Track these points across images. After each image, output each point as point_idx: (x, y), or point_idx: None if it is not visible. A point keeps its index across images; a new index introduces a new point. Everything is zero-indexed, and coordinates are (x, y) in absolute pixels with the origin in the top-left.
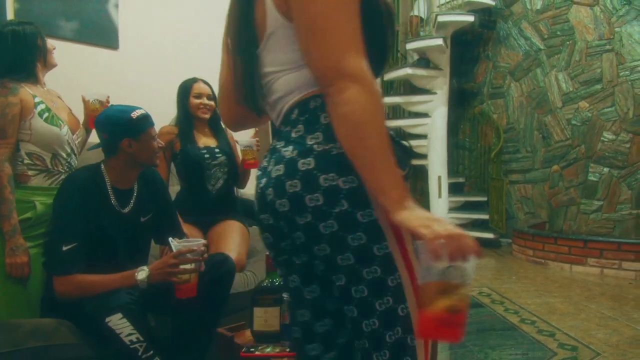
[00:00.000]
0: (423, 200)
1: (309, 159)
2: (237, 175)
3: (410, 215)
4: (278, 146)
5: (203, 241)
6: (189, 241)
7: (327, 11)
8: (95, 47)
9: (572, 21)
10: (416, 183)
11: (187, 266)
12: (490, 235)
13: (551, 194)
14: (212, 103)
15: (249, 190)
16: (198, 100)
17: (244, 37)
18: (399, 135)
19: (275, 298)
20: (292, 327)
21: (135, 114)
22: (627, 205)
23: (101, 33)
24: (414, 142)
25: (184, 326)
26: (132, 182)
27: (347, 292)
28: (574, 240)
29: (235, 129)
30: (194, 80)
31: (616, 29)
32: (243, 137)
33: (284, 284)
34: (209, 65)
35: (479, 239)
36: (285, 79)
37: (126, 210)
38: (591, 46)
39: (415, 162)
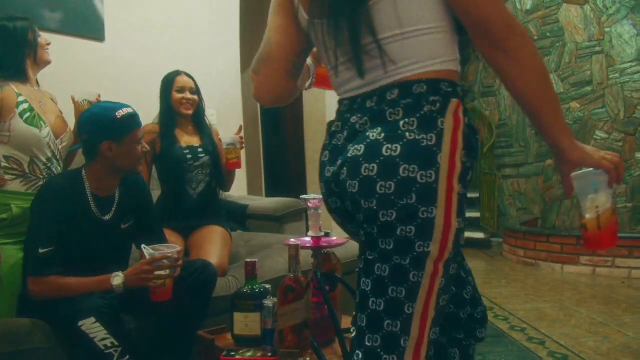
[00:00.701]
0: None
1: (395, 144)
2: (221, 176)
3: (586, 151)
4: (359, 123)
5: (177, 248)
6: (163, 247)
7: None
8: (80, 38)
9: (561, 21)
10: None
11: (162, 272)
12: (480, 235)
13: (545, 188)
14: (195, 97)
15: (234, 192)
16: (180, 95)
17: None
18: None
19: (255, 304)
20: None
21: (120, 113)
22: (622, 199)
23: (86, 24)
24: None
25: (165, 331)
26: (113, 189)
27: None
28: (566, 237)
29: (274, 104)
30: (176, 72)
31: (606, 29)
32: (231, 134)
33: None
34: (194, 57)
35: (468, 240)
36: (397, 45)
37: (107, 217)
38: (581, 47)
39: None
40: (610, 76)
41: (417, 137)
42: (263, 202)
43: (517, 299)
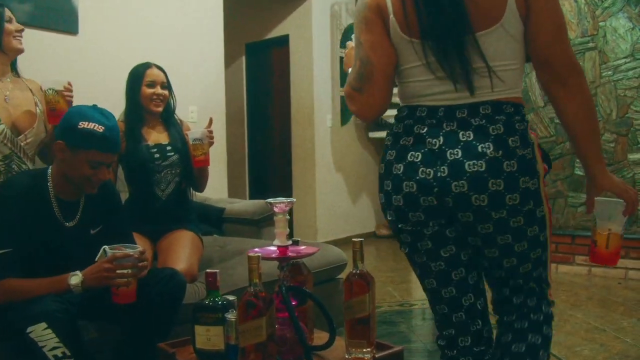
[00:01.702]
0: None
1: (512, 161)
2: (192, 177)
3: (614, 181)
4: (461, 133)
5: (140, 248)
6: (124, 247)
7: (563, 16)
8: (52, 32)
9: None
10: None
11: (125, 271)
12: None
13: None
14: (166, 92)
15: (214, 194)
16: (151, 90)
17: (452, 21)
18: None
19: (217, 317)
20: (445, 288)
21: (83, 125)
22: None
23: (59, 16)
24: None
25: (128, 344)
26: (78, 194)
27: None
28: (561, 235)
29: (375, 118)
30: (147, 65)
31: (600, 23)
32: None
33: (412, 252)
34: (175, 52)
35: None
36: (499, 74)
37: (71, 224)
38: (573, 44)
39: None
40: (604, 74)
41: (523, 152)
42: (241, 205)
43: None
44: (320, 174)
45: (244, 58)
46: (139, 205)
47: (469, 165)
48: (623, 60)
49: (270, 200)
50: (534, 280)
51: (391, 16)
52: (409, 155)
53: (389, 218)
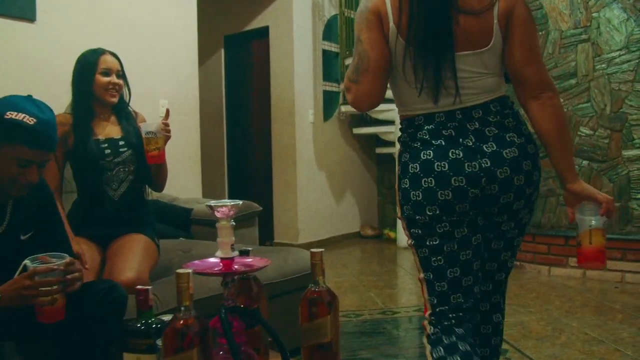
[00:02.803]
0: (392, 194)
1: (531, 145)
2: (148, 174)
3: (585, 186)
4: (487, 129)
5: (66, 259)
6: (48, 257)
7: (537, 40)
8: (7, 18)
9: (546, 7)
10: (383, 177)
11: (48, 287)
12: None
13: None
14: (121, 82)
15: (186, 194)
16: (106, 79)
17: (444, 40)
18: None
19: (149, 344)
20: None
21: (9, 115)
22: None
23: (14, 2)
24: (383, 149)
25: None
26: (4, 195)
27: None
28: (554, 236)
29: (369, 109)
30: (100, 51)
31: (594, 14)
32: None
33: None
34: (143, 42)
35: None
36: (487, 80)
37: None
38: (565, 36)
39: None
40: (597, 67)
41: (530, 132)
42: None
43: None
44: (301, 172)
45: (222, 51)
46: (87, 206)
47: (506, 153)
48: (617, 53)
49: (212, 202)
50: (507, 275)
51: (390, 23)
52: (450, 153)
53: (429, 213)
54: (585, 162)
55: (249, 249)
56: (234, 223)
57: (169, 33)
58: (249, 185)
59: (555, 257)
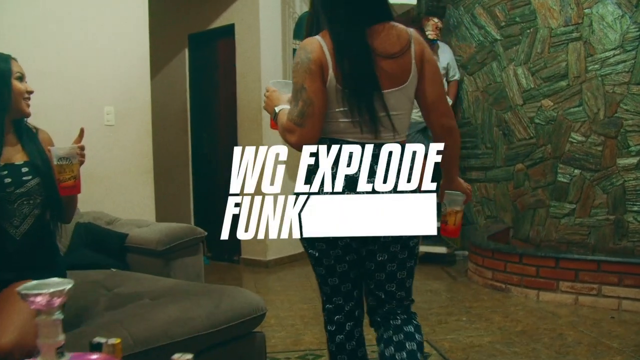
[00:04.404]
0: None
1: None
2: (59, 206)
3: (460, 182)
4: (375, 165)
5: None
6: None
7: (442, 81)
8: None
9: (534, 4)
10: None
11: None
12: (442, 250)
13: (516, 195)
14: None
15: (135, 214)
16: (23, 85)
17: (371, 81)
18: None
19: None
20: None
21: None
22: (604, 210)
23: None
24: None
25: None
26: None
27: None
28: (543, 258)
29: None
30: (8, 55)
31: (585, 11)
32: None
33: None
34: (84, 43)
35: (429, 255)
36: (405, 119)
37: None
38: (555, 34)
39: None
40: (589, 68)
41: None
42: (147, 230)
43: (479, 349)
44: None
45: (186, 51)
46: None
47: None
48: (612, 52)
49: (24, 288)
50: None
51: (330, 70)
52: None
53: None
54: (577, 171)
55: (101, 342)
56: (61, 316)
57: (116, 34)
58: (216, 194)
59: (544, 280)
